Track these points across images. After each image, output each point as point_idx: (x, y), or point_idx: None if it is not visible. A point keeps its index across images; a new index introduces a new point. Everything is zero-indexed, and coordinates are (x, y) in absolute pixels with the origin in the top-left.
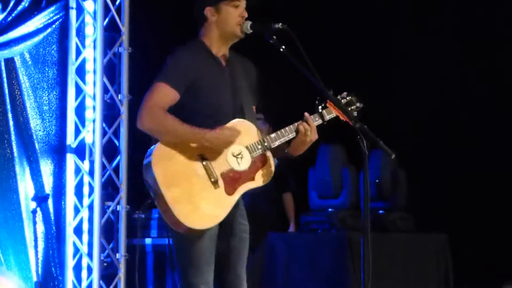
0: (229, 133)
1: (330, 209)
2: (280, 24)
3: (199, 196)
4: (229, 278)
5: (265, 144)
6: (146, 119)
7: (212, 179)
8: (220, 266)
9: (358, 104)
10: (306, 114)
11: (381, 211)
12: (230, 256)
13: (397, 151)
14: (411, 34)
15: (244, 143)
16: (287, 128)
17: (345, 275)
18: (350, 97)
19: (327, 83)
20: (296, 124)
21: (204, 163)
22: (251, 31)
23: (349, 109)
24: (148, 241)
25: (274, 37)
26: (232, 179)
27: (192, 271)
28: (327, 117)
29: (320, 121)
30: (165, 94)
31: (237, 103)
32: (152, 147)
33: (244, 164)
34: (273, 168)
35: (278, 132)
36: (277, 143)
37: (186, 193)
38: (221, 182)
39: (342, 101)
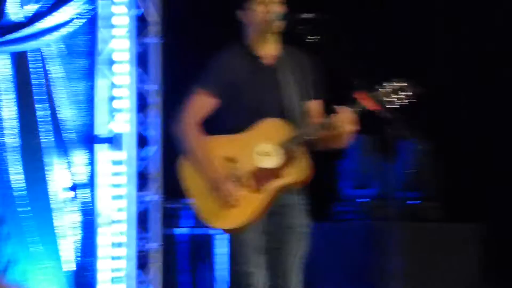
0: (227, 193)
1: (360, 199)
2: (312, 14)
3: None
4: (280, 271)
5: (296, 140)
6: (176, 127)
7: (235, 179)
8: (272, 259)
9: (409, 91)
10: (336, 106)
11: (412, 201)
12: (281, 248)
13: (428, 140)
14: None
15: (274, 140)
16: (320, 121)
17: (375, 265)
18: (400, 83)
19: (359, 72)
20: (329, 116)
21: (230, 164)
22: (279, 21)
23: (401, 94)
24: (183, 230)
25: (302, 27)
26: (258, 178)
27: (239, 261)
28: (363, 106)
29: (356, 110)
30: (202, 101)
31: (282, 101)
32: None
33: (271, 162)
34: (305, 164)
35: (311, 126)
36: (308, 138)
37: (212, 197)
38: (246, 181)
39: (389, 87)
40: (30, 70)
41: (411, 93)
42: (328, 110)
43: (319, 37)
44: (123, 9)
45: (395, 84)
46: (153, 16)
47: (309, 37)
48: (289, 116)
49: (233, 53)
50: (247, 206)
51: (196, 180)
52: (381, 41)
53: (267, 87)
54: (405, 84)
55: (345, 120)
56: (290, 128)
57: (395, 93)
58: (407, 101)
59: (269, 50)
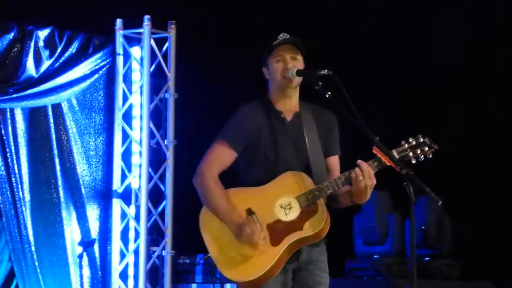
0: (251, 231)
1: (375, 256)
2: (326, 70)
3: (243, 250)
4: None
5: (316, 193)
6: (197, 179)
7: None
8: None
9: (433, 146)
10: (359, 160)
11: (426, 258)
12: None
13: (443, 197)
14: None
15: (294, 193)
16: (341, 175)
17: None
18: (423, 139)
19: (373, 127)
20: (348, 172)
21: (250, 216)
22: (297, 77)
23: (425, 149)
24: (193, 286)
25: (320, 83)
26: (278, 230)
27: None
28: (381, 162)
29: (378, 167)
30: (222, 154)
31: (301, 157)
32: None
33: (292, 214)
34: (324, 217)
35: (332, 180)
36: (329, 192)
37: (231, 250)
38: (266, 234)
39: (413, 142)
40: (50, 125)
41: (431, 149)
42: (349, 165)
43: (329, 93)
44: (139, 65)
45: (414, 140)
46: (168, 72)
47: (327, 93)
48: (310, 170)
49: (254, 108)
50: (265, 259)
51: (216, 232)
52: (398, 95)
53: (289, 142)
54: (424, 140)
55: (365, 174)
56: (310, 181)
57: (414, 149)
58: (426, 156)
59: (289, 105)
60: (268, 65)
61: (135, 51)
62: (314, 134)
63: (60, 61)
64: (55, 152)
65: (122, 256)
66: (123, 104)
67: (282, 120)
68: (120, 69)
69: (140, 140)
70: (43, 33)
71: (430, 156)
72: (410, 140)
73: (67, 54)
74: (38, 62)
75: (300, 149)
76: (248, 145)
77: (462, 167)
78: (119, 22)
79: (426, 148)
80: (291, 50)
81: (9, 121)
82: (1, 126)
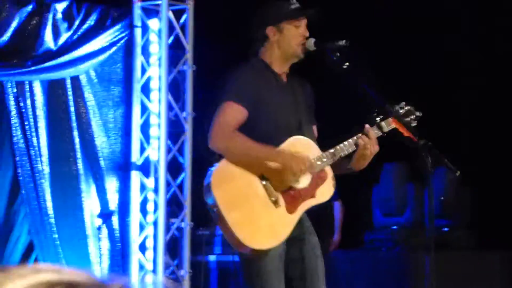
0: (304, 159)
1: (394, 227)
2: (344, 41)
3: (260, 217)
4: None
5: (324, 159)
6: (217, 139)
7: (273, 198)
8: (296, 286)
9: (417, 113)
10: (367, 125)
11: (445, 229)
12: (305, 275)
13: (462, 167)
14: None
15: None
16: (346, 142)
17: None
18: (408, 107)
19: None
20: (355, 137)
21: (264, 183)
22: (315, 48)
23: (409, 119)
24: (212, 257)
25: (338, 54)
26: (292, 197)
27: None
28: (386, 129)
29: (379, 133)
30: (234, 112)
31: (297, 120)
32: (211, 168)
33: (304, 181)
34: (333, 183)
35: (338, 146)
36: (337, 158)
37: (247, 215)
38: (281, 201)
39: (401, 111)
40: (68, 98)
41: (415, 116)
42: (355, 130)
43: (347, 64)
44: (158, 37)
45: (399, 108)
46: (186, 44)
47: (345, 64)
48: (303, 134)
49: (255, 68)
50: (283, 227)
51: (233, 193)
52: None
53: (288, 105)
54: (408, 108)
55: (373, 142)
56: (316, 147)
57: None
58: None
59: (285, 70)
60: (283, 28)
61: (153, 23)
62: (303, 100)
63: (78, 33)
64: (74, 124)
65: (141, 228)
66: (142, 76)
67: (281, 83)
68: (138, 41)
69: (159, 113)
70: (61, 6)
71: (415, 124)
72: (397, 107)
73: (85, 26)
74: (56, 35)
75: (296, 112)
76: (254, 105)
77: (482, 135)
78: None
79: (413, 116)
80: (307, 22)
81: (28, 94)
82: (20, 99)
